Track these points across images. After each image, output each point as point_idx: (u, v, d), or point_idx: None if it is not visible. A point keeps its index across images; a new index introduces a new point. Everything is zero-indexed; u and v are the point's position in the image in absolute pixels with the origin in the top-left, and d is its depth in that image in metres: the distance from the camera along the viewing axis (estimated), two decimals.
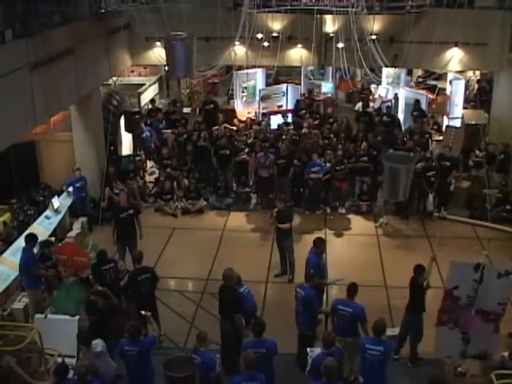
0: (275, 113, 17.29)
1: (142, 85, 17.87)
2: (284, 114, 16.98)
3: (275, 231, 11.13)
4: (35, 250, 9.77)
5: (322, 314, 8.94)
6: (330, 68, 18.33)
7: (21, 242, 9.89)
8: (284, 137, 14.83)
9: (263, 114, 16.71)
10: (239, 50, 15.16)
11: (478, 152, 14.29)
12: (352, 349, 8.01)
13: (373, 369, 7.42)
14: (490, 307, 7.96)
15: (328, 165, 13.49)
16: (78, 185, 12.78)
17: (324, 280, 9.55)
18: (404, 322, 8.83)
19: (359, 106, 17.57)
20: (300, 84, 18.98)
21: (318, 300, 8.95)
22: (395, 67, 16.79)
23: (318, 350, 7.54)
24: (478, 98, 17.93)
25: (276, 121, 16.45)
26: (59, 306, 9.28)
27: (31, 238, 9.65)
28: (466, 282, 7.95)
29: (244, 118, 16.91)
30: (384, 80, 18.35)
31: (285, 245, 10.95)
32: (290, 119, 16.70)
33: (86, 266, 9.85)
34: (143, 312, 8.31)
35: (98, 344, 7.65)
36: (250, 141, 14.74)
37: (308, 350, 7.83)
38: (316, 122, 16.08)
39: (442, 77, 18.91)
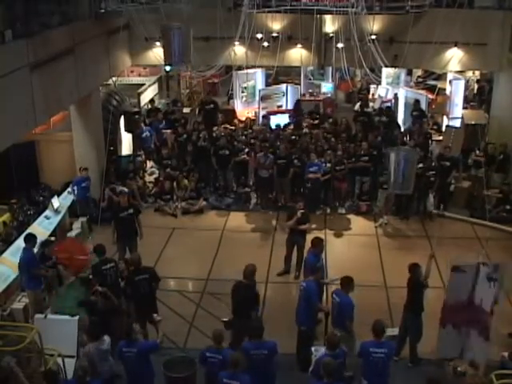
0: (275, 113, 17.31)
1: (142, 85, 17.88)
2: (290, 114, 16.98)
3: (290, 232, 11.07)
4: (35, 250, 9.77)
5: (321, 311, 8.93)
6: (330, 68, 18.33)
7: (21, 242, 9.88)
8: (282, 137, 14.83)
9: (263, 117, 16.70)
10: (239, 50, 15.17)
11: (477, 152, 14.31)
12: (345, 342, 7.97)
13: (377, 371, 7.43)
14: (478, 303, 7.93)
15: (328, 165, 13.50)
16: (83, 184, 12.77)
17: (322, 280, 9.55)
18: (403, 322, 8.82)
19: (358, 105, 17.59)
20: (300, 84, 18.99)
21: (318, 296, 8.94)
22: (395, 67, 16.80)
23: (322, 350, 7.55)
24: (478, 97, 17.95)
25: (276, 121, 16.42)
26: (61, 307, 9.26)
27: (30, 238, 9.65)
28: (465, 285, 7.96)
29: (243, 118, 16.93)
30: (384, 80, 18.36)
31: (300, 244, 10.93)
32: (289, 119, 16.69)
33: (86, 265, 9.85)
34: (155, 315, 8.33)
35: (106, 341, 7.61)
36: (251, 141, 14.71)
37: (313, 349, 7.83)
38: (316, 122, 16.10)
39: (441, 77, 18.90)
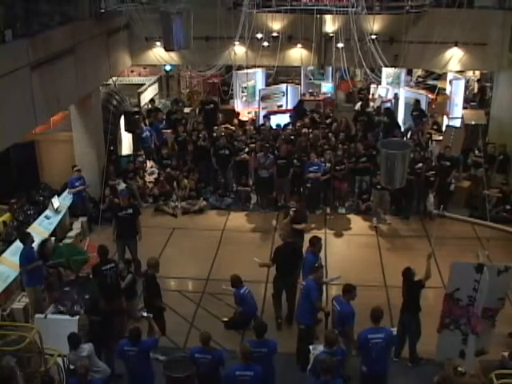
0: (275, 113, 17.30)
1: (142, 85, 17.87)
2: (291, 114, 16.97)
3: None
4: (35, 249, 9.80)
5: (321, 311, 8.93)
6: (330, 68, 18.33)
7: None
8: (283, 137, 14.82)
9: (264, 116, 16.71)
10: (239, 50, 15.17)
11: (477, 152, 14.30)
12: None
13: (376, 356, 7.57)
14: (492, 305, 7.94)
15: (328, 165, 13.50)
16: (77, 184, 12.77)
17: (322, 279, 9.54)
18: (401, 324, 8.80)
19: (360, 105, 17.56)
20: (300, 84, 18.99)
21: (318, 295, 8.93)
22: (395, 67, 16.79)
23: (320, 348, 7.57)
24: (479, 98, 17.91)
25: (276, 121, 16.42)
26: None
27: (26, 236, 9.63)
28: (466, 283, 7.94)
29: (246, 118, 16.92)
30: (384, 80, 18.35)
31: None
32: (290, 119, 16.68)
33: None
34: (145, 314, 8.31)
35: (85, 349, 7.62)
36: (252, 146, 14.68)
37: (310, 347, 7.85)
38: (318, 121, 16.11)
39: (441, 77, 18.90)
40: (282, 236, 10.24)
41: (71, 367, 7.65)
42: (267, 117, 16.55)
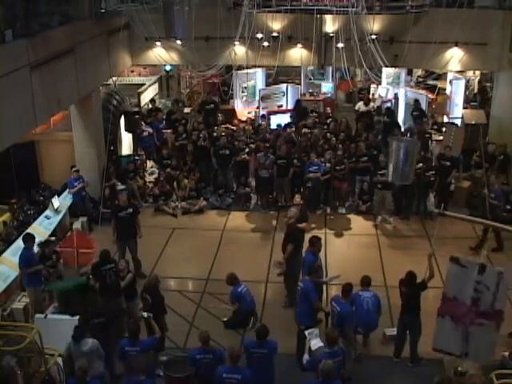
0: (275, 113, 17.31)
1: (142, 85, 17.87)
2: (292, 114, 16.96)
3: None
4: (35, 250, 9.79)
5: (320, 310, 8.92)
6: (330, 68, 18.34)
7: (21, 242, 9.90)
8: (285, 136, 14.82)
9: (262, 116, 16.71)
10: (239, 50, 15.16)
11: (478, 152, 14.29)
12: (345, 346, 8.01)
13: (369, 312, 8.59)
14: (487, 309, 7.86)
15: (328, 165, 13.49)
16: (76, 183, 12.76)
17: (321, 279, 9.54)
18: (401, 325, 8.79)
19: (359, 105, 17.56)
20: (300, 84, 19.00)
21: (317, 295, 8.93)
22: (395, 67, 16.79)
23: (316, 332, 7.64)
24: (480, 98, 17.91)
25: (276, 121, 16.42)
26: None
27: (29, 238, 9.66)
28: (466, 284, 7.87)
29: (244, 118, 16.91)
30: (384, 80, 18.35)
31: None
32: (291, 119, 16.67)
33: (90, 259, 10.14)
34: (145, 314, 8.30)
35: (88, 343, 7.61)
36: (252, 146, 14.67)
37: (306, 332, 7.81)
38: (317, 120, 16.10)
39: (441, 77, 18.90)
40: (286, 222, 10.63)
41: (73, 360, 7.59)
42: (265, 116, 16.56)
